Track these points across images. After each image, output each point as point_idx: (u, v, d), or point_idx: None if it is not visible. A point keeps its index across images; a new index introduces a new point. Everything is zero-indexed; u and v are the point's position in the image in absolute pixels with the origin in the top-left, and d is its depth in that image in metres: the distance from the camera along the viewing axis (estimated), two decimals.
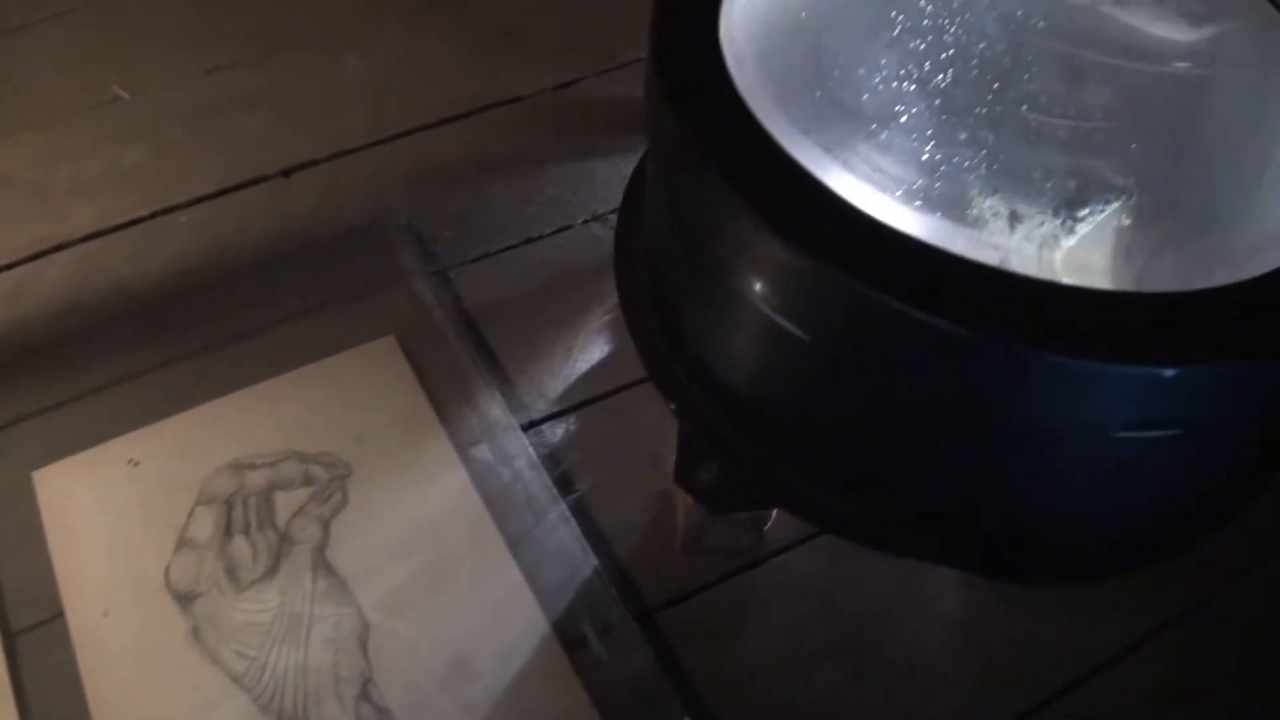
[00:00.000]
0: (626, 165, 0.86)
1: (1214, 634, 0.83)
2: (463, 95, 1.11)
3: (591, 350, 0.94)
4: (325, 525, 0.85)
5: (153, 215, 1.03)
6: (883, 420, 0.72)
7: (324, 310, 0.96)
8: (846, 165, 0.78)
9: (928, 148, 0.81)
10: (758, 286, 0.69)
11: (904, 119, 0.82)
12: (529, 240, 1.01)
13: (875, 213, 0.62)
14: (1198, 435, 0.69)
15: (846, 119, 0.81)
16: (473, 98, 1.11)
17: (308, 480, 0.87)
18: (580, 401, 0.92)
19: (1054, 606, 0.83)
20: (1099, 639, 0.83)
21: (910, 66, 0.82)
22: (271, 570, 0.83)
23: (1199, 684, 0.82)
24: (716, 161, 0.66)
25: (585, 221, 1.03)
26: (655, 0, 0.73)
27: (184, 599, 0.82)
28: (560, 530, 0.84)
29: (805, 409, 0.76)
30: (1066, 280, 0.72)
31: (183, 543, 0.84)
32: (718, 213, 0.67)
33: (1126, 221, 0.78)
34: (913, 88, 0.81)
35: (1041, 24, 0.82)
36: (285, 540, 0.84)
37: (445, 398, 0.91)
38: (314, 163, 1.06)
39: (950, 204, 0.79)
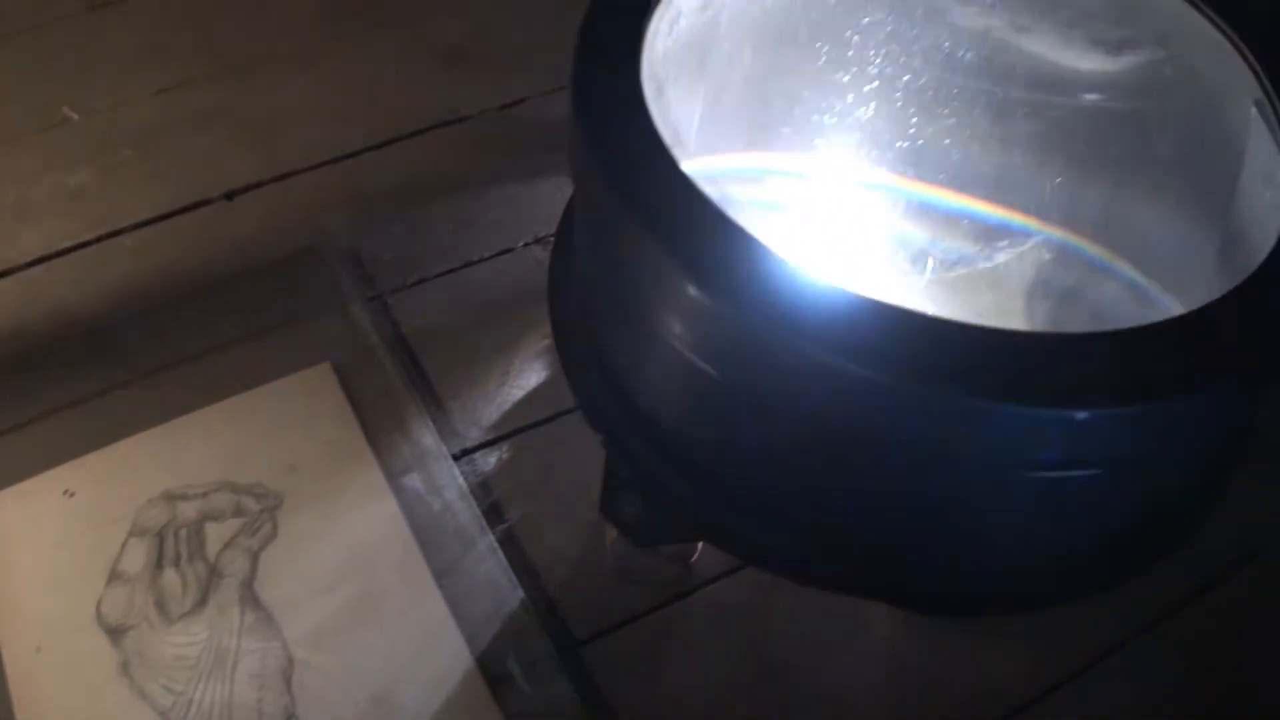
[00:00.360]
0: (570, 187, 0.86)
1: (1152, 663, 0.82)
2: (408, 115, 1.11)
3: (528, 376, 0.94)
4: (254, 557, 0.84)
5: (98, 239, 1.03)
6: (798, 458, 0.72)
7: (261, 337, 0.96)
8: (763, 201, 0.78)
9: (847, 183, 0.81)
10: (671, 324, 0.68)
11: (824, 153, 0.81)
12: (469, 264, 1.01)
13: (786, 252, 0.62)
14: (1118, 473, 0.68)
15: (766, 152, 0.80)
16: (418, 118, 1.11)
17: (239, 511, 0.87)
18: (514, 429, 0.91)
19: (988, 637, 0.83)
20: (1034, 669, 0.82)
21: (832, 99, 0.81)
22: (200, 603, 0.83)
23: (1134, 716, 0.81)
24: (631, 200, 0.66)
25: (527, 244, 1.02)
26: (577, 36, 0.73)
27: (115, 633, 0.82)
28: (488, 561, 0.84)
29: (724, 444, 0.75)
30: (977, 320, 0.71)
31: (115, 575, 0.84)
32: (632, 251, 0.66)
33: (1046, 257, 0.78)
34: (834, 120, 0.81)
35: (968, 57, 0.81)
36: (214, 573, 0.84)
37: (378, 426, 0.91)
38: (258, 185, 1.06)
39: (867, 241, 0.79)
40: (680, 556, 0.84)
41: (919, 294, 0.77)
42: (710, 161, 0.81)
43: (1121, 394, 0.60)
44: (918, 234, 0.80)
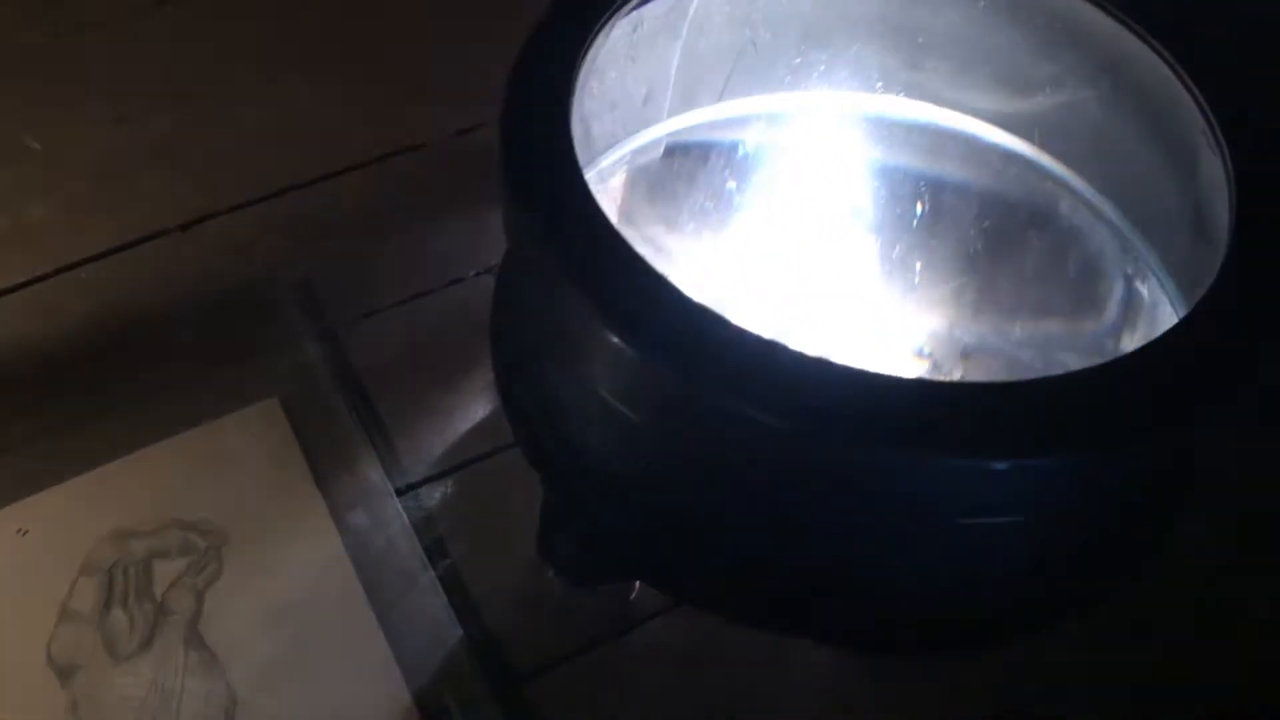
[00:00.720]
0: None
1: (1096, 700, 0.82)
2: (364, 144, 1.11)
3: (475, 409, 0.94)
4: (199, 596, 0.85)
5: (55, 273, 1.03)
6: (723, 501, 0.72)
7: (211, 372, 0.97)
8: (682, 255, 0.78)
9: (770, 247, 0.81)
10: (594, 368, 0.69)
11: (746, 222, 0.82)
12: (419, 295, 1.01)
13: (705, 303, 0.63)
14: (1041, 520, 0.69)
15: (686, 213, 0.81)
16: (374, 146, 1.11)
17: (186, 549, 0.88)
18: (460, 463, 0.92)
19: (929, 679, 0.83)
20: (975, 711, 0.82)
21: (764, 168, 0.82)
22: (147, 643, 0.84)
23: None
24: (557, 247, 0.66)
25: (478, 274, 1.02)
26: (506, 82, 0.73)
27: (64, 673, 0.83)
28: (430, 599, 0.84)
29: (652, 485, 0.75)
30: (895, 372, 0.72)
31: (65, 615, 0.85)
32: (557, 295, 0.67)
33: (967, 299, 0.78)
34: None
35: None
36: (161, 612, 0.85)
37: (325, 462, 0.91)
38: (213, 215, 1.06)
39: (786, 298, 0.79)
40: (619, 594, 0.84)
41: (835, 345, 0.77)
42: (639, 215, 0.81)
43: (1038, 445, 0.60)
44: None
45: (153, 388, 0.98)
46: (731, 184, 0.89)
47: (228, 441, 0.94)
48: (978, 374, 0.81)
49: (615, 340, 0.63)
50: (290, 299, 1.02)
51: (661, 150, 0.89)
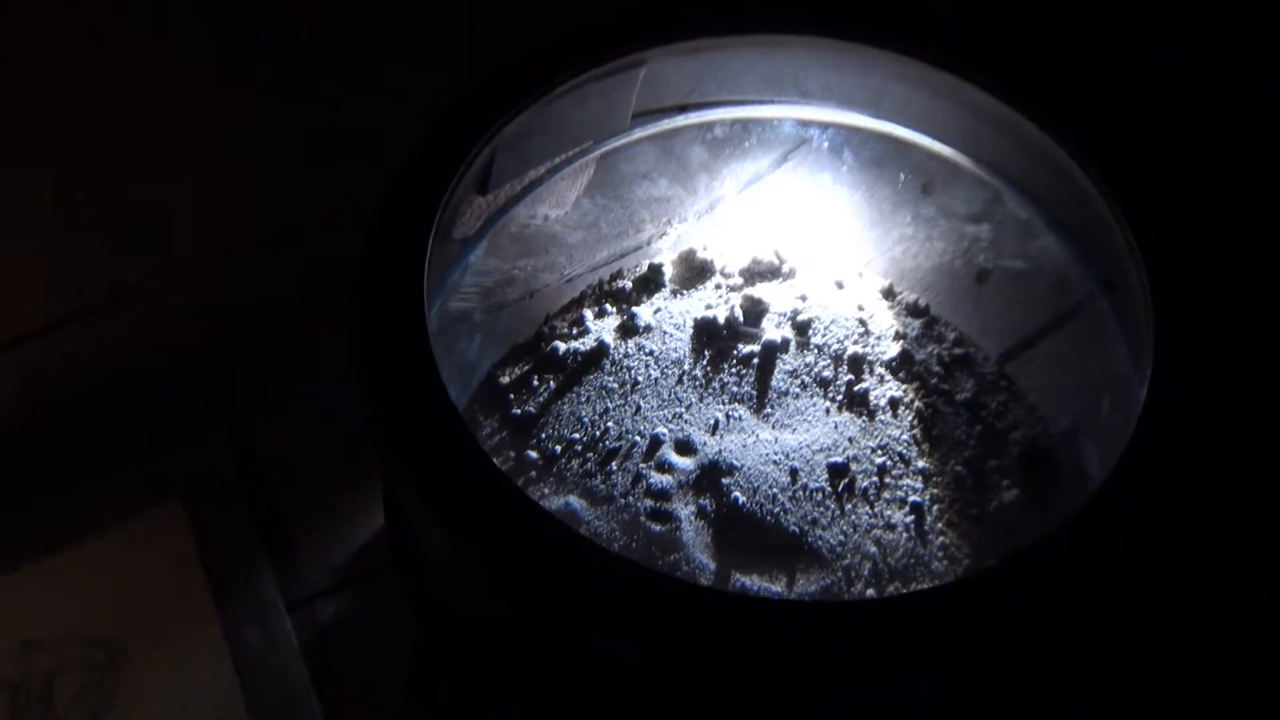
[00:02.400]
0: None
1: None
2: (304, 209, 1.09)
3: (379, 514, 0.94)
4: (95, 717, 0.87)
5: None
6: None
7: (120, 469, 0.98)
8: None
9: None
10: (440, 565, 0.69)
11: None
12: (337, 384, 1.00)
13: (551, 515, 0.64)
14: None
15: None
16: (313, 211, 1.09)
17: (86, 664, 0.90)
18: (357, 575, 0.93)
19: None
20: None
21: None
22: None
23: None
24: (400, 441, 0.67)
25: None
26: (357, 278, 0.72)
27: None
28: None
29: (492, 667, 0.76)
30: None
31: None
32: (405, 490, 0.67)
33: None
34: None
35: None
36: None
37: (223, 571, 0.93)
38: (138, 291, 1.05)
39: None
40: None
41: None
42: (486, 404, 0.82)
43: (860, 672, 0.60)
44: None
45: (59, 487, 0.99)
46: None
47: (129, 550, 0.96)
48: None
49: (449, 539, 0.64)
50: (204, 388, 1.02)
51: None
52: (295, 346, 1.03)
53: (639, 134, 0.93)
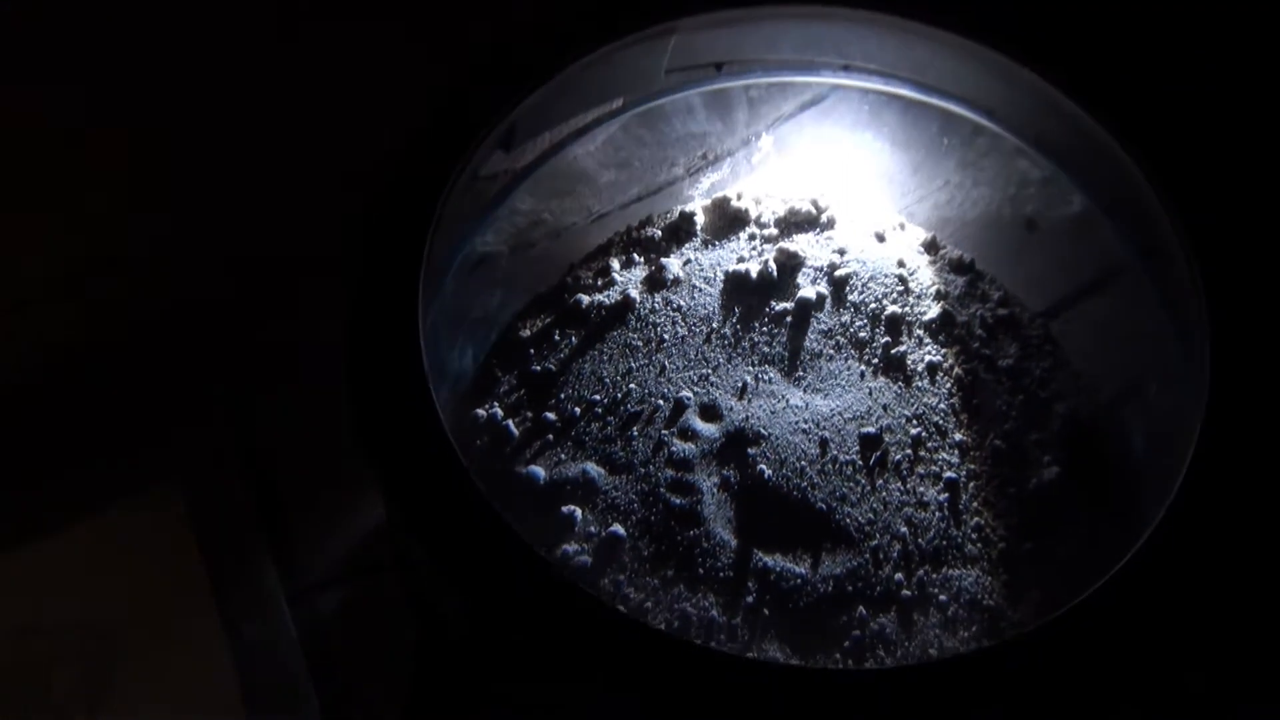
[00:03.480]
0: None
1: None
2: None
3: (380, 506, 0.91)
4: (91, 710, 0.85)
5: None
6: None
7: (119, 457, 0.95)
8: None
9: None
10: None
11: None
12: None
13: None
14: None
15: None
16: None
17: (82, 655, 0.87)
18: (360, 567, 0.90)
19: None
20: None
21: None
22: None
23: None
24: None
25: None
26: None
27: None
28: None
29: None
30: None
31: None
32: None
33: None
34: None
35: None
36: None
37: (223, 562, 0.90)
38: (134, 275, 1.00)
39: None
40: None
41: None
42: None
43: None
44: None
45: (58, 472, 0.95)
46: None
47: (130, 537, 0.93)
48: None
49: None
50: (205, 376, 0.99)
51: None
52: (298, 328, 0.98)
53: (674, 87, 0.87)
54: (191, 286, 0.98)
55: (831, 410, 0.81)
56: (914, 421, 0.81)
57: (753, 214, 0.93)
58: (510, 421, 0.80)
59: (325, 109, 0.94)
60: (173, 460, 0.94)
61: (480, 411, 0.81)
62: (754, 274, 0.87)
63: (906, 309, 0.87)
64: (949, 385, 0.83)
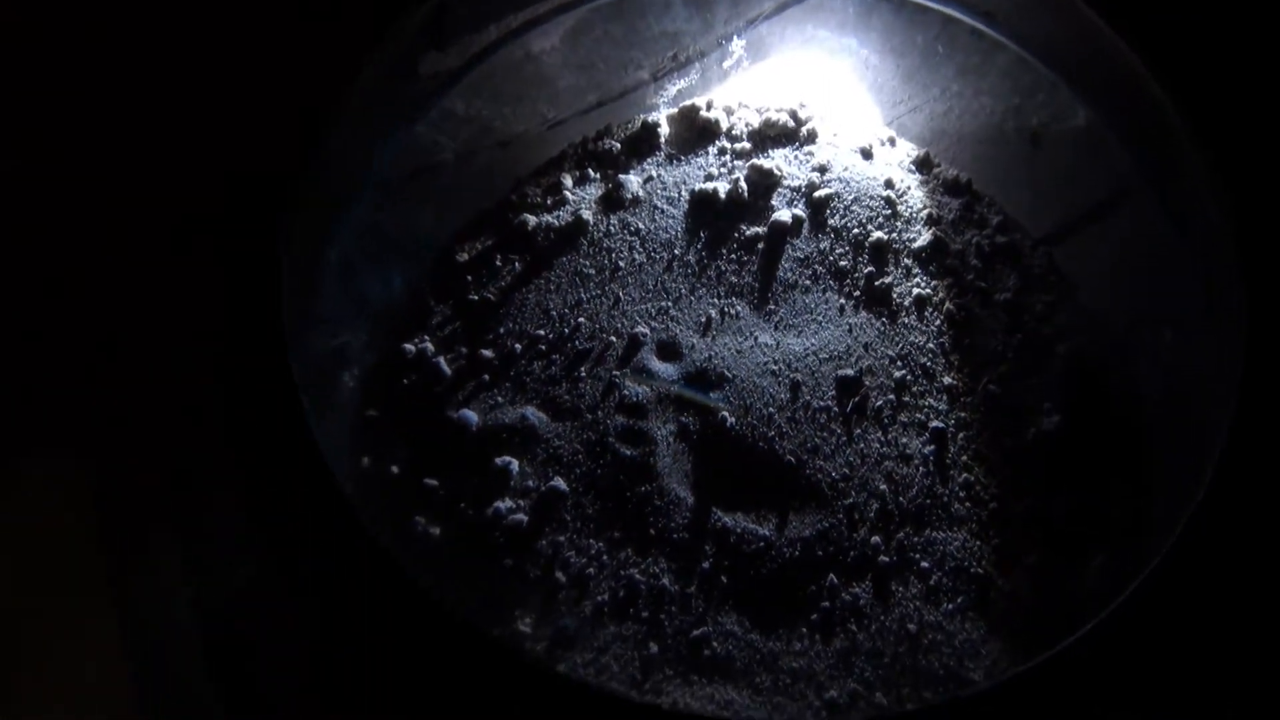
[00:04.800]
0: None
1: None
2: None
3: None
4: None
5: None
6: None
7: (16, 421, 0.85)
8: None
9: None
10: None
11: None
12: None
13: None
14: None
15: None
16: None
17: None
18: (268, 548, 0.80)
19: None
20: None
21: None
22: None
23: None
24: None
25: None
26: None
27: None
28: None
29: None
30: None
31: None
32: None
33: None
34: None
35: None
36: None
37: (121, 536, 0.80)
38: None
39: None
40: None
41: None
42: None
43: None
44: None
45: None
46: None
47: (21, 510, 0.84)
48: None
49: None
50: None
51: None
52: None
53: None
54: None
55: (805, 349, 0.72)
56: (898, 363, 0.72)
57: (723, 126, 0.83)
58: (442, 358, 0.71)
59: None
60: (73, 431, 0.84)
61: (409, 346, 0.72)
62: (723, 194, 0.77)
63: (893, 235, 0.77)
64: (939, 322, 0.74)
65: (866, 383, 0.71)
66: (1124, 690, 0.53)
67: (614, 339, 0.72)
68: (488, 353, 0.72)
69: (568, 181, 0.80)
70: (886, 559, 0.65)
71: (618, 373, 0.70)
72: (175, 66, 0.80)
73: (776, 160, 0.81)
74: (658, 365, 0.71)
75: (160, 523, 0.77)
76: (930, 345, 0.74)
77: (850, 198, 0.79)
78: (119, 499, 0.75)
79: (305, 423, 0.54)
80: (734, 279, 0.75)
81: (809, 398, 0.70)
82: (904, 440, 0.69)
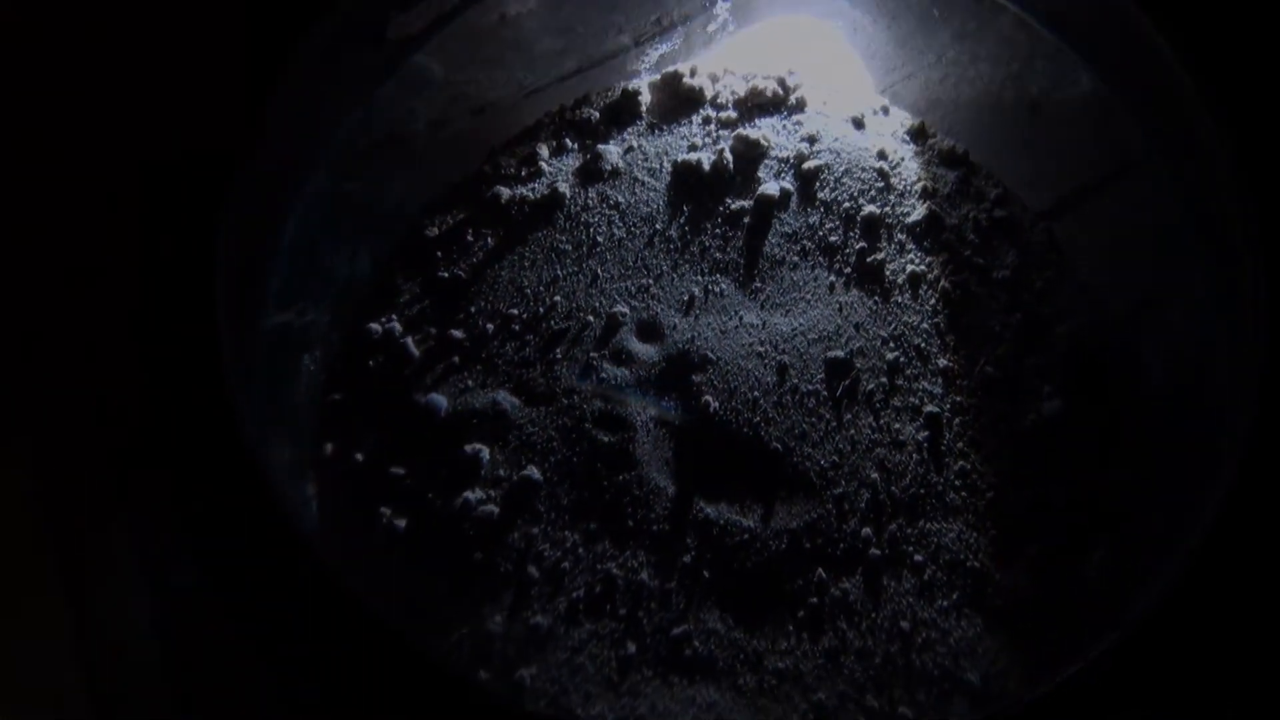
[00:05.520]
0: None
1: None
2: None
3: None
4: None
5: None
6: None
7: None
8: None
9: None
10: None
11: None
12: None
13: None
14: None
15: None
16: None
17: None
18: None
19: None
20: None
21: None
22: None
23: None
24: None
25: None
26: None
27: None
28: None
29: None
30: None
31: None
32: None
33: None
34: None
35: None
36: None
37: (70, 524, 0.77)
38: None
39: None
40: None
41: None
42: None
43: None
44: None
45: None
46: None
47: None
48: None
49: None
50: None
51: None
52: None
53: None
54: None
55: (793, 330, 0.68)
56: (891, 344, 0.68)
57: (708, 93, 0.79)
58: (410, 339, 0.67)
59: None
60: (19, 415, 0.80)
61: (375, 326, 0.68)
62: (707, 165, 0.74)
63: (886, 209, 0.73)
64: (934, 300, 0.70)
65: (857, 365, 0.68)
66: (1124, 690, 0.50)
67: (591, 318, 0.68)
68: (458, 333, 0.68)
69: (544, 152, 0.77)
70: (878, 552, 0.62)
71: (595, 354, 0.67)
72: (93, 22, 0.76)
73: (763, 130, 0.77)
74: (638, 346, 0.68)
75: (110, 522, 0.73)
76: (925, 325, 0.70)
77: (841, 169, 0.75)
78: (64, 497, 0.71)
79: (234, 420, 0.50)
80: (718, 255, 0.72)
81: (797, 381, 0.66)
82: (896, 426, 0.66)
